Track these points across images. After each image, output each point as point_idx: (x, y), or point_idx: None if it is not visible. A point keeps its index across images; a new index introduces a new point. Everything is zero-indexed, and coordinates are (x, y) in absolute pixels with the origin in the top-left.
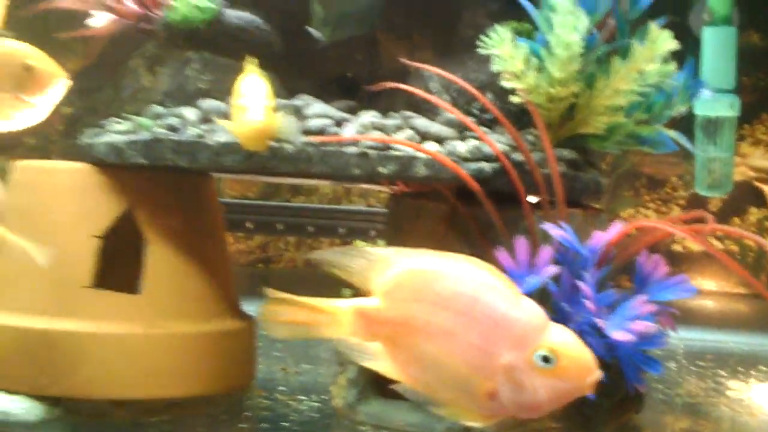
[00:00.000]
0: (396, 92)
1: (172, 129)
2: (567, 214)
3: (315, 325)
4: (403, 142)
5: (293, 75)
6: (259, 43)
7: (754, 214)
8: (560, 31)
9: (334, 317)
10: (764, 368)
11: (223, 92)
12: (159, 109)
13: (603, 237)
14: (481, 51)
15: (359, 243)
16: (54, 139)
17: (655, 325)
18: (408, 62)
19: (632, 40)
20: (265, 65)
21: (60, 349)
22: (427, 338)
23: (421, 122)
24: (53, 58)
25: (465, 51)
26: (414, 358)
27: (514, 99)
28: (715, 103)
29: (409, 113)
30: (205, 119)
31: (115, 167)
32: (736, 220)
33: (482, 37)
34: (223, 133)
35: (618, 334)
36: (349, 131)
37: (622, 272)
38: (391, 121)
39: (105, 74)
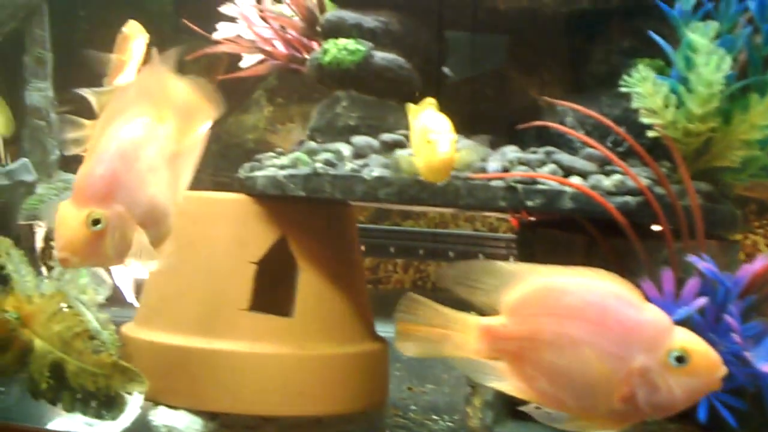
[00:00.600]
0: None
1: (329, 164)
2: (706, 246)
3: (443, 341)
4: (553, 178)
5: None
6: (402, 82)
7: None
8: (703, 71)
9: (462, 332)
10: None
11: (369, 128)
12: (312, 144)
13: (749, 269)
14: (623, 89)
15: None
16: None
17: None
18: (549, 100)
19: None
20: (406, 102)
21: (218, 368)
22: (557, 351)
23: (565, 157)
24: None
25: (598, 87)
26: (543, 373)
27: (649, 134)
28: None
29: (550, 148)
30: (358, 154)
31: (270, 197)
32: None
33: (624, 75)
34: (376, 167)
35: (766, 366)
36: (494, 166)
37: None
38: (534, 156)
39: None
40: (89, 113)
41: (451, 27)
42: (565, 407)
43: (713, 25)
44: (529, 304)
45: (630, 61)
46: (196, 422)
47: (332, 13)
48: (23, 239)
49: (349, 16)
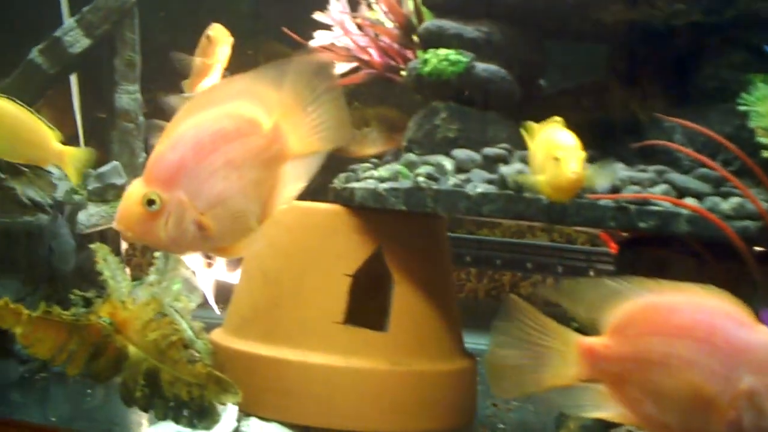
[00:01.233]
0: (629, 142)
1: (432, 178)
2: None
3: (540, 361)
4: (671, 200)
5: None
6: (503, 94)
7: None
8: None
9: (561, 348)
10: None
11: (469, 140)
12: (412, 156)
13: None
14: (741, 107)
15: None
16: None
17: None
18: (659, 115)
19: None
20: (507, 114)
21: (312, 381)
22: (663, 371)
23: (679, 177)
24: None
25: (705, 102)
26: (648, 395)
27: (766, 154)
28: None
29: (661, 167)
30: (460, 168)
31: (366, 209)
32: None
33: (739, 92)
34: (479, 182)
35: None
36: (603, 184)
37: None
38: (645, 175)
39: None
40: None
41: (550, 37)
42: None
43: None
44: (635, 324)
45: (741, 76)
46: None
47: (432, 22)
48: (110, 242)
49: (450, 25)
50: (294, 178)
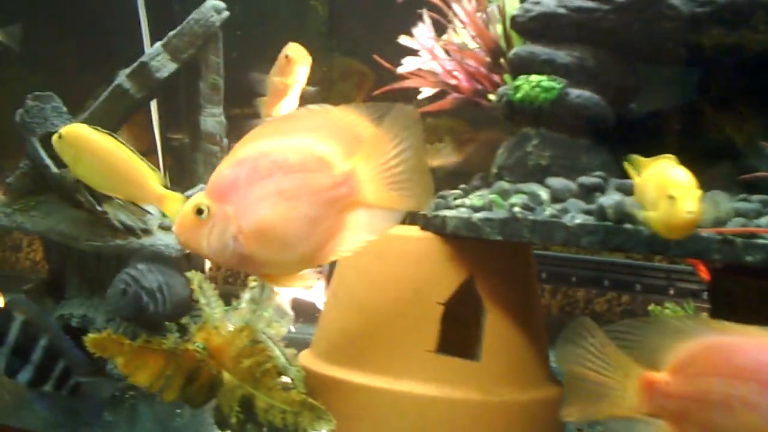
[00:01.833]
0: (724, 167)
1: (528, 208)
2: None
3: (603, 388)
4: None
5: (619, 148)
6: (597, 121)
7: None
8: None
9: (624, 378)
10: None
11: (561, 168)
12: (504, 185)
13: None
14: None
15: (655, 309)
16: None
17: None
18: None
19: None
20: (599, 140)
21: (404, 410)
22: (724, 413)
23: None
24: None
25: None
26: None
27: None
28: None
29: (766, 197)
30: (555, 198)
31: (458, 237)
32: None
33: None
34: (576, 212)
35: None
36: (710, 216)
37: None
38: (750, 206)
39: None
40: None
41: (644, 60)
42: None
43: None
44: (696, 363)
45: None
46: None
47: (522, 47)
48: (194, 262)
49: (541, 51)
50: (363, 228)
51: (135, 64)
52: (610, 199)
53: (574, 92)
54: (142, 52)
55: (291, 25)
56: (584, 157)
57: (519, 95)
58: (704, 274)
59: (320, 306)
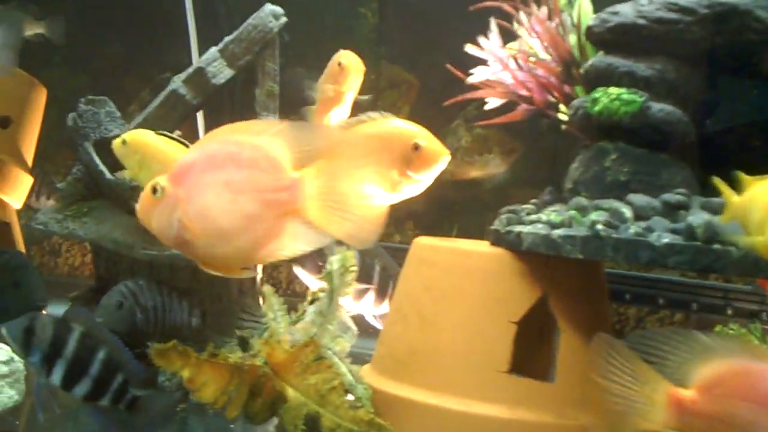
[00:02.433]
0: None
1: (611, 226)
2: None
3: (629, 407)
4: None
5: (695, 165)
6: (678, 135)
7: None
8: None
9: (651, 393)
10: None
11: (641, 183)
12: (582, 201)
13: None
14: None
15: (721, 330)
16: None
17: None
18: None
19: None
20: (679, 156)
21: None
22: None
23: None
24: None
25: None
26: None
27: None
28: None
29: None
30: (639, 215)
31: (531, 254)
32: None
33: None
34: (662, 231)
35: None
36: None
37: None
38: None
39: None
40: None
41: (725, 73)
42: None
43: None
44: (723, 384)
45: None
46: None
47: (599, 58)
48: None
49: (620, 62)
50: (300, 238)
51: (191, 70)
52: (698, 218)
53: (656, 106)
54: (187, 57)
55: (339, 31)
56: (665, 173)
57: (598, 108)
58: None
59: (369, 319)
